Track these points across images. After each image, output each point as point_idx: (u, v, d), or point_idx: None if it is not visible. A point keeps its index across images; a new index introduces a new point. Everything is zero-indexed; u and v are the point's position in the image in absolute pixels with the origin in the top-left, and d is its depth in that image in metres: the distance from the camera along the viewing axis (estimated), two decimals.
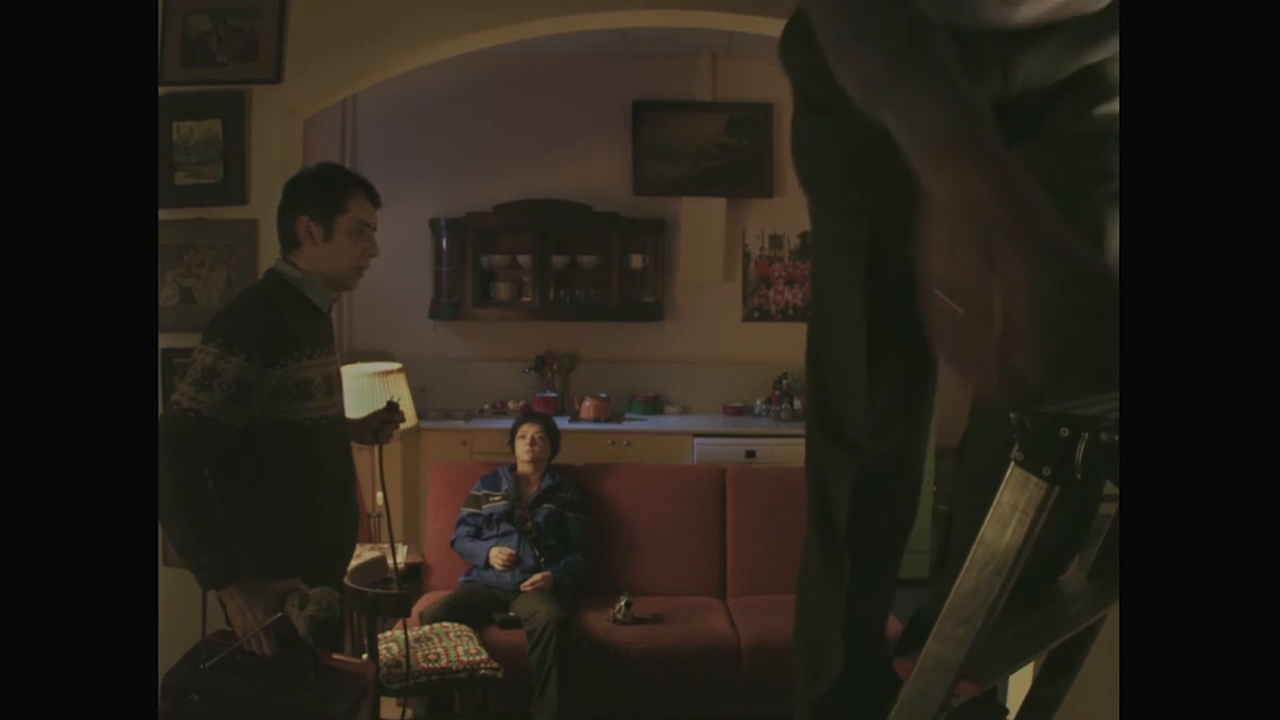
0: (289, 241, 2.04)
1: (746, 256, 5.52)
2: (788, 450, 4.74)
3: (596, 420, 5.08)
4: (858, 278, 1.18)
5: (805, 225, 5.60)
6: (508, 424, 4.22)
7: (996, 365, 0.68)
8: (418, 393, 4.36)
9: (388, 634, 3.13)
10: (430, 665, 3.00)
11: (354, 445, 2.25)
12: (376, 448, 2.36)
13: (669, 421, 5.19)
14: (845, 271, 1.21)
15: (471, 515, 3.76)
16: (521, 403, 5.30)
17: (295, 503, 1.99)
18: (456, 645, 3.12)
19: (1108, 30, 1.02)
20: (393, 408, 2.33)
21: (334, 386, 2.09)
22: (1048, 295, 0.67)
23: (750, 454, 4.87)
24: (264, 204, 2.59)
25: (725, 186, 5.38)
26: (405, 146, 5.39)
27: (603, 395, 5.19)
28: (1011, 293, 0.68)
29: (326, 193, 2.03)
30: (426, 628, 3.25)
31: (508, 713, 3.28)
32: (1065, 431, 0.72)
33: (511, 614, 3.44)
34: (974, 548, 0.78)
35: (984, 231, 0.69)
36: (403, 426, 2.41)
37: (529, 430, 3.88)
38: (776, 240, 5.52)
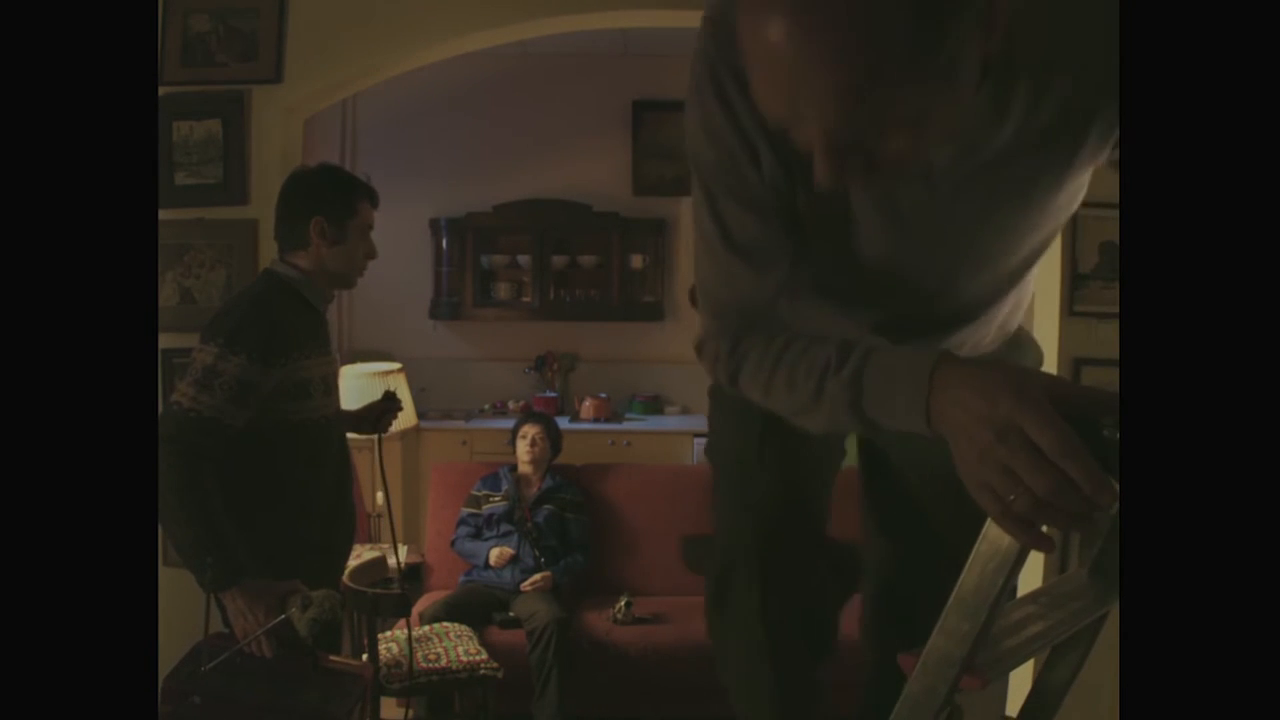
0: (296, 241, 2.04)
1: None
2: None
3: (596, 420, 5.08)
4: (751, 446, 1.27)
5: None
6: (508, 424, 4.21)
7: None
8: (418, 393, 4.35)
9: (387, 634, 3.13)
10: (430, 665, 2.99)
11: (352, 446, 2.25)
12: (377, 449, 2.38)
13: (669, 421, 5.19)
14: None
15: (471, 515, 3.75)
16: (521, 403, 5.30)
17: (293, 503, 1.99)
18: (456, 645, 3.11)
19: None
20: (390, 397, 2.35)
21: (331, 387, 2.09)
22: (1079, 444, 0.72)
23: None
24: (264, 204, 2.59)
25: None
26: (405, 146, 5.38)
27: (603, 395, 5.19)
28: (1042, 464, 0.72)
29: (340, 194, 2.05)
30: (426, 628, 3.25)
31: (508, 713, 3.28)
32: None
33: (511, 614, 3.44)
34: (978, 543, 0.79)
35: (995, 435, 0.74)
36: (403, 427, 2.42)
37: (530, 431, 3.87)
38: None
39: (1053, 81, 0.89)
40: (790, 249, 1.01)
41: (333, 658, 1.89)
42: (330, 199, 2.04)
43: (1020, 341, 1.33)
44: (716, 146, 0.98)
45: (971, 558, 0.79)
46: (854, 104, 0.73)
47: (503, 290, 5.31)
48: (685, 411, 5.37)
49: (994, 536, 0.78)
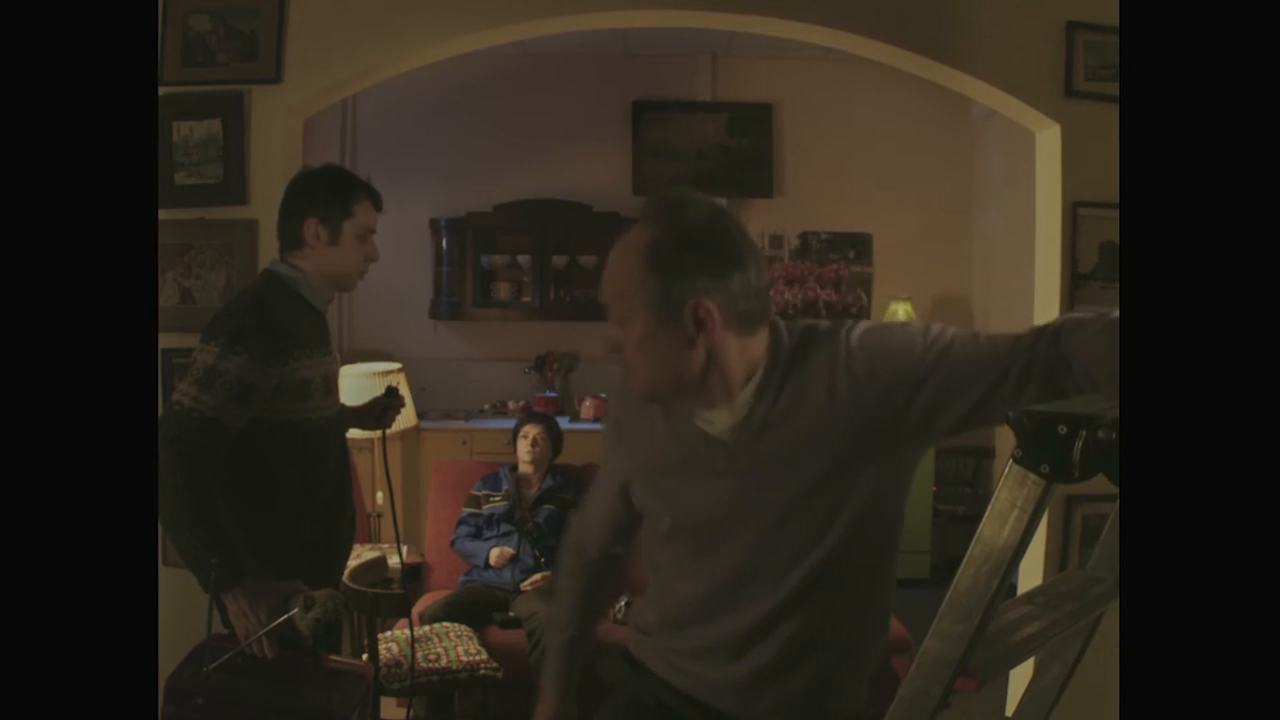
0: (292, 241, 2.03)
1: None
2: None
3: (597, 420, 5.08)
4: None
5: (805, 225, 5.59)
6: (508, 424, 4.21)
7: None
8: (418, 393, 4.35)
9: (388, 634, 3.13)
10: (430, 665, 3.00)
11: (353, 446, 2.25)
12: (380, 449, 2.37)
13: None
14: None
15: (472, 515, 3.75)
16: (522, 403, 5.29)
17: (293, 503, 1.98)
18: (456, 645, 3.11)
19: None
20: (393, 392, 2.35)
21: (331, 387, 2.09)
22: None
23: None
24: (264, 204, 2.59)
25: (725, 186, 5.38)
26: (405, 146, 5.39)
27: (603, 395, 5.19)
28: None
29: (336, 196, 2.04)
30: (426, 628, 3.25)
31: (508, 713, 3.27)
32: (1063, 429, 0.72)
33: (511, 614, 3.44)
34: (972, 545, 0.78)
35: None
36: (403, 427, 2.42)
37: (531, 430, 3.87)
38: (776, 240, 5.52)
39: (789, 384, 1.25)
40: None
41: (334, 658, 1.89)
42: (325, 201, 2.02)
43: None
44: None
45: (965, 560, 0.79)
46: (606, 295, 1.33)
47: (503, 290, 5.31)
48: None
49: (988, 537, 0.78)
